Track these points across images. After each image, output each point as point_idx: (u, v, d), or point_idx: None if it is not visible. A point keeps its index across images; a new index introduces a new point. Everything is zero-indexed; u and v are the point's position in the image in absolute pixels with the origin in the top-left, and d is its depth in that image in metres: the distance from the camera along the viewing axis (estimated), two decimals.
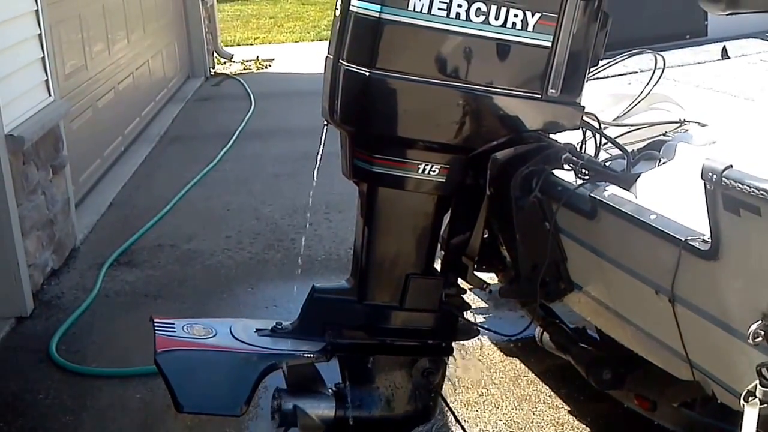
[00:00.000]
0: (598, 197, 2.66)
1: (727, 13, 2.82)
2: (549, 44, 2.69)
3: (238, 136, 8.47)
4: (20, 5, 5.25)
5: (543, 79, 2.72)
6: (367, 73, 2.66)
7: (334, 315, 3.05)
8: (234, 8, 19.24)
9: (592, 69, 2.92)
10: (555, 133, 2.84)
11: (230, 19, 17.45)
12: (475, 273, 3.07)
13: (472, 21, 2.62)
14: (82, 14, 7.03)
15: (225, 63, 12.67)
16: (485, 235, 3.06)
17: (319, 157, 3.00)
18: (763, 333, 2.19)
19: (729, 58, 3.87)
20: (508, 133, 2.77)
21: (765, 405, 2.24)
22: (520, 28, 2.66)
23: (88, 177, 6.91)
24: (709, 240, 2.26)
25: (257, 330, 3.07)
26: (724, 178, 2.09)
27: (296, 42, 14.74)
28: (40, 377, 4.30)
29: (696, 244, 2.29)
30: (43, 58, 5.46)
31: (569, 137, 2.88)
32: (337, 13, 2.76)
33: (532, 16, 2.65)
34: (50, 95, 5.54)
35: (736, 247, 2.21)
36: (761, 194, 2.01)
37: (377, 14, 2.61)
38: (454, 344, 3.18)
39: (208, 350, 2.96)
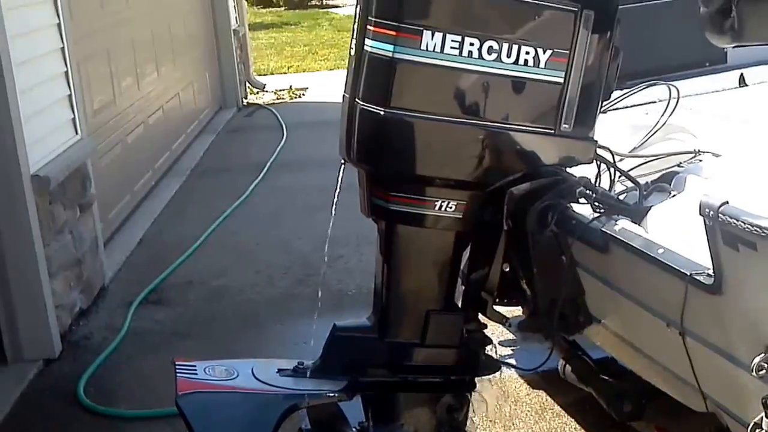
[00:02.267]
0: (609, 231, 2.68)
1: (732, 45, 2.83)
2: (561, 80, 2.72)
3: (269, 168, 8.50)
4: (46, 43, 5.26)
5: (556, 115, 2.75)
6: (382, 113, 2.68)
7: (356, 353, 3.06)
8: (268, 35, 19.40)
9: (606, 101, 2.93)
10: (569, 167, 2.85)
11: (264, 47, 17.54)
12: (495, 307, 3.06)
13: (484, 59, 2.65)
14: (110, 49, 7.07)
15: (258, 93, 12.72)
16: (506, 269, 3.05)
17: (336, 196, 3.01)
18: (766, 365, 2.21)
19: (747, 85, 3.86)
20: (522, 169, 2.79)
21: None
22: (532, 65, 2.69)
23: (118, 213, 6.94)
24: (713, 274, 2.27)
25: (279, 370, 3.08)
26: (720, 215, 2.11)
27: (331, 70, 14.66)
28: (68, 420, 4.31)
29: (701, 278, 2.31)
30: (70, 95, 5.46)
31: (585, 170, 2.88)
32: (352, 52, 2.79)
33: (544, 52, 2.68)
34: (77, 133, 5.54)
35: (737, 281, 2.23)
36: (755, 230, 2.02)
37: (390, 54, 2.64)
38: (477, 379, 3.18)
39: (230, 392, 2.97)
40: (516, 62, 2.66)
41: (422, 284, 3.00)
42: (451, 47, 2.62)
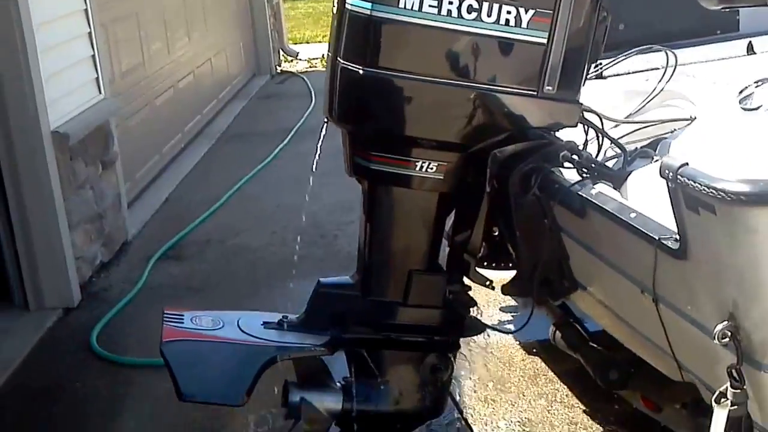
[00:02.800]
0: (585, 195, 2.63)
1: (720, 7, 2.77)
2: (544, 41, 2.67)
3: (295, 134, 8.55)
4: (68, 4, 5.35)
5: (539, 76, 2.70)
6: (361, 71, 2.68)
7: (339, 309, 3.09)
8: (307, 5, 19.40)
9: (593, 64, 2.89)
10: (554, 131, 2.82)
11: (302, 17, 17.59)
12: (478, 270, 3.06)
13: (464, 18, 2.62)
14: (139, 13, 7.16)
15: (292, 61, 12.80)
16: (495, 233, 3.06)
17: (317, 154, 3.05)
18: (729, 334, 2.15)
19: (755, 53, 3.78)
20: (503, 131, 2.76)
21: (736, 407, 2.21)
22: (513, 24, 2.65)
23: (146, 173, 7.04)
24: (678, 239, 2.23)
25: (264, 323, 3.12)
26: (679, 176, 2.05)
27: None
28: (79, 366, 4.47)
29: (668, 243, 2.25)
30: (93, 56, 5.56)
31: (574, 135, 2.86)
32: (335, 11, 2.79)
33: (526, 12, 2.64)
34: (100, 93, 5.64)
35: (700, 245, 2.17)
36: (711, 192, 1.96)
37: (368, 12, 2.63)
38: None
39: (213, 341, 3.02)
40: (497, 21, 2.62)
41: (404, 244, 3.01)
42: (430, 5, 2.59)
